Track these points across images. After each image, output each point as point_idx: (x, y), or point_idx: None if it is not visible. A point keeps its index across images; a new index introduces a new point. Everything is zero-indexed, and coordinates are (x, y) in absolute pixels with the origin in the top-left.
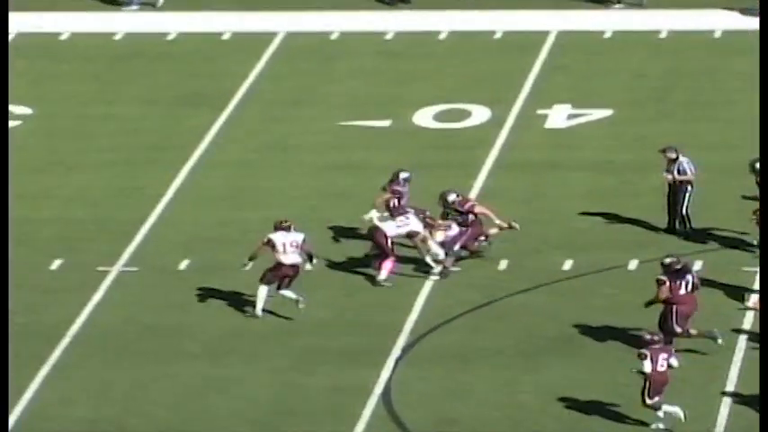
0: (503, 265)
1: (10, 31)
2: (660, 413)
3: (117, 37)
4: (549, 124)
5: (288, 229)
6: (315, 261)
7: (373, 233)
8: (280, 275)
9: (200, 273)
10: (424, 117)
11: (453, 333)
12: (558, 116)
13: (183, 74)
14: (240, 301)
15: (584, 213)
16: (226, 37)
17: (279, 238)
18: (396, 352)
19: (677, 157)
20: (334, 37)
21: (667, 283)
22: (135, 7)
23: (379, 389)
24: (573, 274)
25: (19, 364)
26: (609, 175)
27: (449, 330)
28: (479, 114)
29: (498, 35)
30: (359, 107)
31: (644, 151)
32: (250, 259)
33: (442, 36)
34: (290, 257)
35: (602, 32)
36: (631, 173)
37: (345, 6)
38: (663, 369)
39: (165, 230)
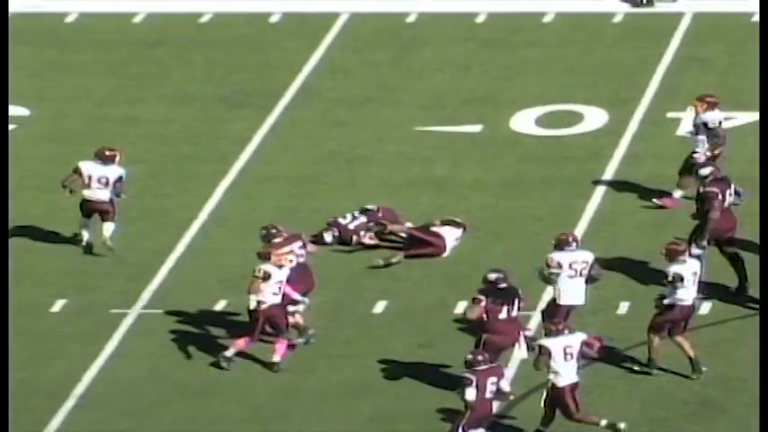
0: (623, 308)
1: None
2: None
3: (137, 19)
4: (682, 130)
5: (108, 160)
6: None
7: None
8: (86, 211)
9: (243, 316)
10: (525, 121)
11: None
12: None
13: (221, 66)
14: (294, 354)
15: None
16: (275, 19)
17: (87, 167)
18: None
19: None
20: (411, 19)
21: (483, 303)
22: None
23: None
24: (713, 320)
25: (15, 430)
26: (758, 193)
27: None
28: (594, 118)
29: (618, 18)
30: (443, 108)
31: None
32: (63, 187)
33: (547, 19)
34: (94, 193)
35: (750, 15)
36: None
37: None
38: (489, 396)
39: (197, 263)
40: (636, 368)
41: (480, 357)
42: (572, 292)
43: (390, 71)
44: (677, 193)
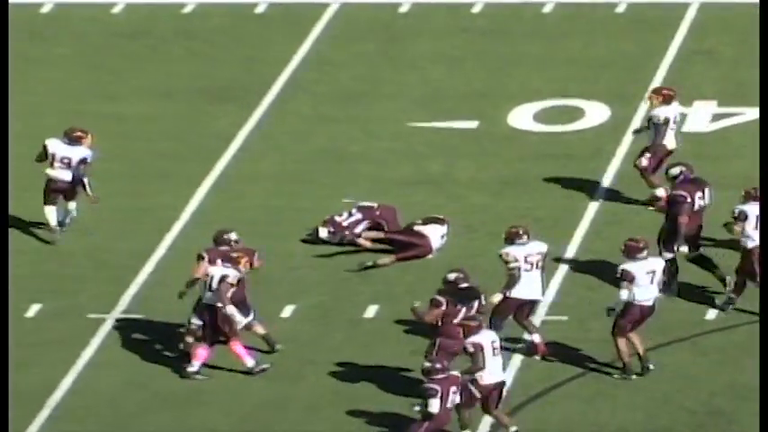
0: None
1: None
2: None
3: (116, 9)
4: (687, 127)
5: (75, 140)
6: (90, 193)
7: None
8: (48, 194)
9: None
10: (523, 117)
11: (560, 404)
12: (700, 116)
13: (204, 59)
14: (282, 361)
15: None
16: (260, 9)
17: (53, 145)
18: (484, 428)
19: None
20: (403, 9)
21: (443, 307)
22: None
23: None
24: (717, 326)
25: None
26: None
27: (554, 400)
28: (596, 113)
29: (621, 8)
30: (437, 103)
31: None
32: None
33: (546, 9)
34: (56, 172)
35: (758, 5)
36: None
37: None
38: (450, 407)
39: (179, 265)
40: (615, 375)
41: (439, 366)
42: (526, 285)
43: (382, 64)
44: (660, 192)
